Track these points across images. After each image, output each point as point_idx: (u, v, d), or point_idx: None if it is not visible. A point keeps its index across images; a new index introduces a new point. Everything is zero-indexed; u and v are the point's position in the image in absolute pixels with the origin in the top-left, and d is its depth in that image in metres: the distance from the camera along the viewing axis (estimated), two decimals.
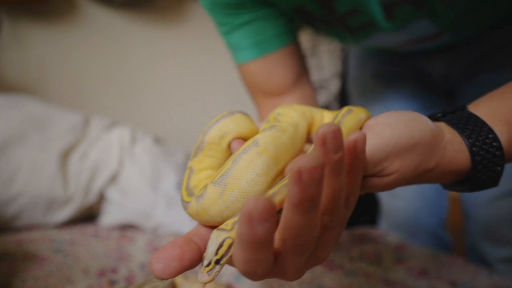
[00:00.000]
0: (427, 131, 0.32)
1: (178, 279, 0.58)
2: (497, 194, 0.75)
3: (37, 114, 1.05)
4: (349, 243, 0.87)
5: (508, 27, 0.67)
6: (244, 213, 0.20)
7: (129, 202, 1.00)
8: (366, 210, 1.17)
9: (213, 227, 0.32)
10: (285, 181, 0.29)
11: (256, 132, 0.39)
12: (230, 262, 0.29)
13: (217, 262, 0.28)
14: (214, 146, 0.37)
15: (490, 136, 0.33)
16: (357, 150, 0.25)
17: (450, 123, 0.34)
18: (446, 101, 0.84)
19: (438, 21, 0.55)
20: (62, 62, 1.40)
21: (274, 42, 0.56)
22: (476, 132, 0.33)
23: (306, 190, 0.21)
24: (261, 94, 0.61)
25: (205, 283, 0.27)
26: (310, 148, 0.30)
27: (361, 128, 0.34)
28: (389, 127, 0.32)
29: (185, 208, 0.33)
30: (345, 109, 0.35)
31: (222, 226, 0.29)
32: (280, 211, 0.27)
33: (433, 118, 0.36)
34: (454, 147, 0.33)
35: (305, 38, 1.54)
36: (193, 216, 0.32)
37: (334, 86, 1.57)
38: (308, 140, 0.38)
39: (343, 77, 1.53)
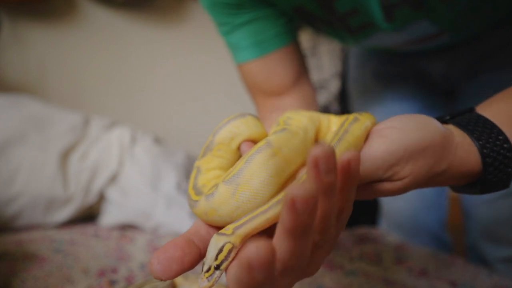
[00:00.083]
0: (437, 134, 0.32)
1: (178, 279, 0.58)
2: (497, 194, 0.75)
3: (37, 114, 1.05)
4: (349, 243, 0.87)
5: (508, 27, 0.67)
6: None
7: (129, 202, 1.00)
8: (366, 210, 1.17)
9: (218, 228, 0.32)
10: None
11: (266, 136, 0.38)
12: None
13: (217, 267, 0.27)
14: (223, 147, 0.37)
15: (500, 137, 0.33)
16: (351, 170, 0.24)
17: (459, 125, 0.34)
18: (446, 101, 0.84)
19: (438, 21, 0.55)
20: (62, 62, 1.40)
21: (274, 42, 0.56)
22: (486, 134, 0.33)
23: (299, 217, 0.21)
24: (261, 94, 0.61)
25: None
26: (304, 172, 0.29)
27: (368, 134, 0.34)
28: (400, 131, 0.31)
29: (192, 207, 0.32)
30: (352, 117, 0.34)
31: (222, 231, 0.29)
32: (272, 228, 0.28)
33: (442, 120, 0.36)
34: (464, 149, 0.33)
35: (305, 38, 1.54)
36: (200, 215, 0.32)
37: (334, 86, 1.57)
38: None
39: (343, 77, 1.53)
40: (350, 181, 0.25)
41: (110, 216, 0.99)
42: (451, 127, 0.34)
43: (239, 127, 0.37)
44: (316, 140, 0.38)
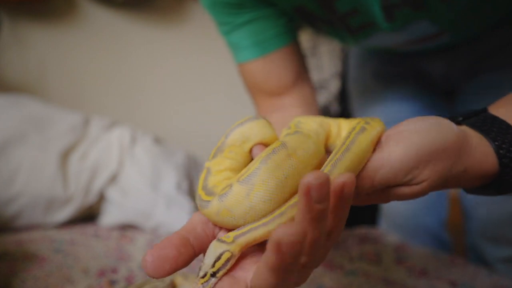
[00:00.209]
0: (454, 136, 0.31)
1: (178, 279, 0.58)
2: None
3: (37, 114, 1.05)
4: (349, 243, 0.87)
5: (508, 27, 0.67)
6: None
7: (129, 202, 1.00)
8: (366, 210, 1.16)
9: (217, 228, 0.31)
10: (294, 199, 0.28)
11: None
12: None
13: (213, 274, 0.27)
14: (235, 149, 0.36)
15: None
16: (344, 194, 0.24)
17: (474, 126, 0.34)
18: (446, 101, 0.84)
19: (438, 21, 0.55)
20: (62, 62, 1.40)
21: (275, 41, 0.56)
22: (501, 134, 0.32)
23: (285, 258, 0.21)
24: (261, 93, 0.61)
25: None
26: (294, 198, 0.29)
27: (380, 139, 0.33)
28: (417, 134, 0.31)
29: (203, 207, 0.31)
30: (359, 126, 0.33)
31: (223, 238, 0.28)
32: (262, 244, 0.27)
33: (455, 121, 0.35)
34: (481, 150, 0.32)
35: (305, 38, 1.54)
36: (212, 216, 0.31)
37: (334, 86, 1.57)
38: (325, 150, 0.37)
39: (343, 77, 1.53)
40: (343, 204, 0.25)
41: (110, 216, 0.99)
42: (465, 128, 0.34)
43: (252, 130, 0.37)
44: (326, 146, 0.37)
